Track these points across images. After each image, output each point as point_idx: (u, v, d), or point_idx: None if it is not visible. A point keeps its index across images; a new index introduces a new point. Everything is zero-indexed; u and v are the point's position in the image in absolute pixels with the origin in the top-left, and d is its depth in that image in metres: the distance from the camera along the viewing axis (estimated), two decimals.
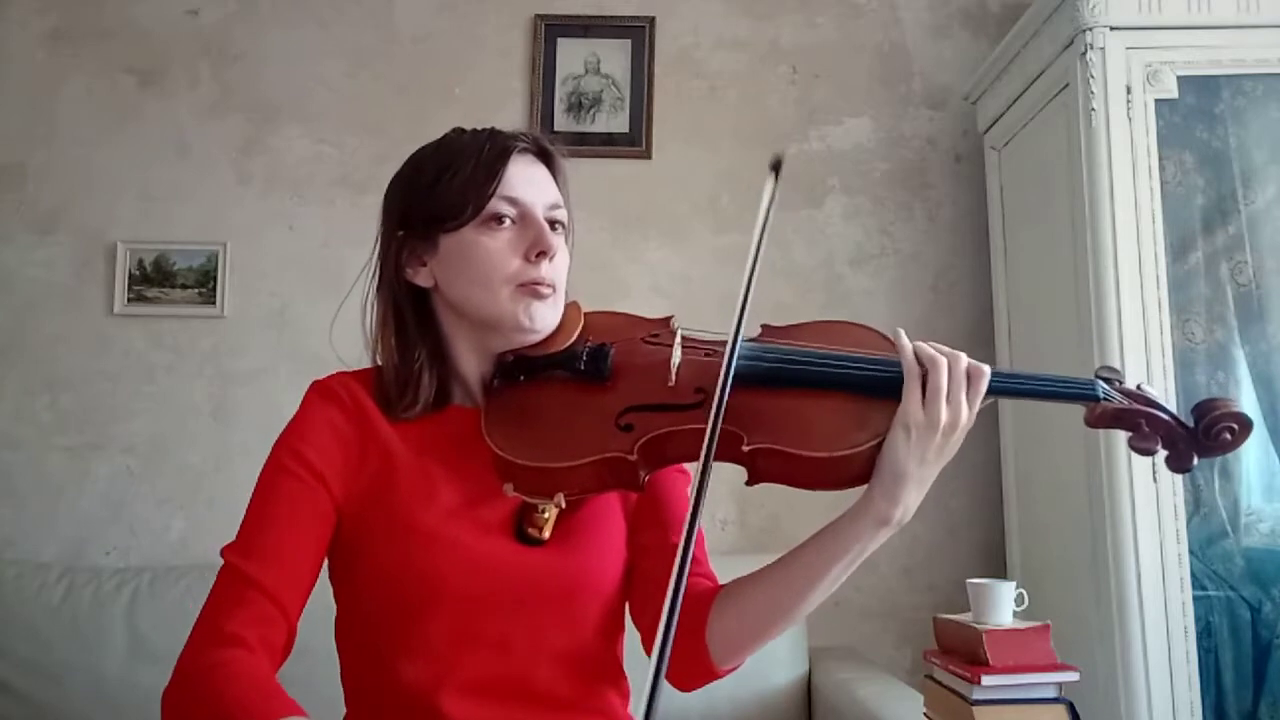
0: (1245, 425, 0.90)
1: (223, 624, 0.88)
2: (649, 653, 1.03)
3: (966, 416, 0.89)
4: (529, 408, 0.99)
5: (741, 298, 0.90)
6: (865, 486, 0.91)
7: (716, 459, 0.85)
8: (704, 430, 0.82)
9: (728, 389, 0.86)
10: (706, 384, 0.93)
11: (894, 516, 0.90)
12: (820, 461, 0.89)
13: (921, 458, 0.88)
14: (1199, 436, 0.91)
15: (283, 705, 0.82)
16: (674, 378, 0.95)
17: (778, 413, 0.91)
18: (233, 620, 0.88)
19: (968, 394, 0.89)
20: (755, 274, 0.91)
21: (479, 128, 1.05)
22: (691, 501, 0.78)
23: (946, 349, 0.91)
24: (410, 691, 0.96)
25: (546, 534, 0.98)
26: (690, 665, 1.02)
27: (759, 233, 0.93)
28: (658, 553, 1.04)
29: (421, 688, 0.95)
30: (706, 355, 0.99)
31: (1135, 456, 1.80)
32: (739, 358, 0.89)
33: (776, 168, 0.98)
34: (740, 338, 0.90)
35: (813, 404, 0.92)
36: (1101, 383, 0.93)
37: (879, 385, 0.92)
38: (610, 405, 0.96)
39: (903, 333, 0.93)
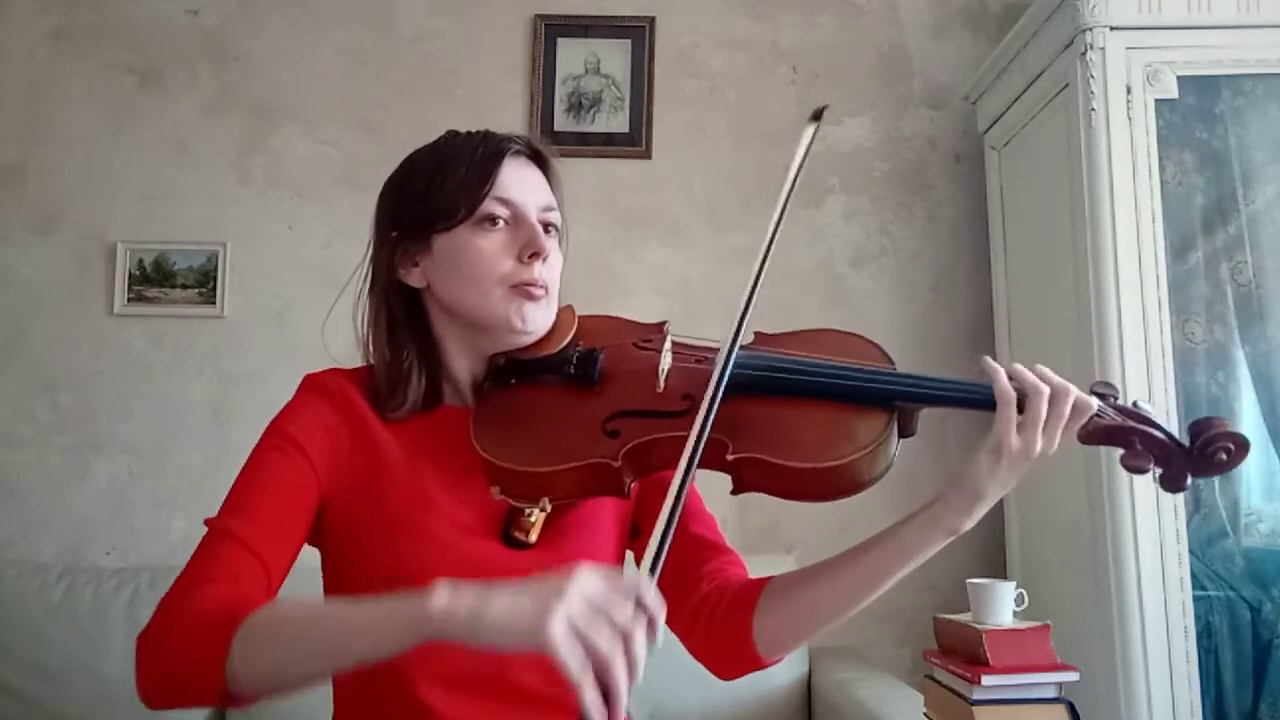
0: (1242, 446, 0.88)
1: (203, 571, 0.88)
2: (690, 650, 1.05)
3: (1056, 446, 0.89)
4: (517, 411, 1.00)
5: (760, 259, 0.93)
6: (850, 498, 0.91)
7: (701, 466, 0.85)
8: (689, 438, 0.82)
9: (728, 368, 0.87)
10: (695, 391, 0.92)
11: (964, 528, 0.91)
12: (805, 473, 0.88)
13: (1004, 481, 0.89)
14: (1194, 455, 0.89)
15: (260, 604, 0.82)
16: (662, 384, 0.95)
17: (764, 421, 0.91)
18: (213, 567, 0.88)
19: (1066, 426, 0.88)
20: (776, 238, 0.94)
21: (473, 130, 1.06)
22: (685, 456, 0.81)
23: (1057, 379, 0.89)
24: (392, 681, 0.96)
25: (533, 538, 0.98)
26: (735, 656, 1.02)
27: (792, 180, 0.96)
28: (675, 549, 1.04)
29: (402, 678, 0.95)
30: (697, 362, 0.98)
31: None
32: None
33: (818, 115, 1.01)
34: (744, 321, 0.91)
35: (800, 413, 0.91)
36: (1095, 398, 0.91)
37: (867, 396, 0.92)
38: (598, 411, 0.96)
39: (989, 359, 0.91)
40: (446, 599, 0.73)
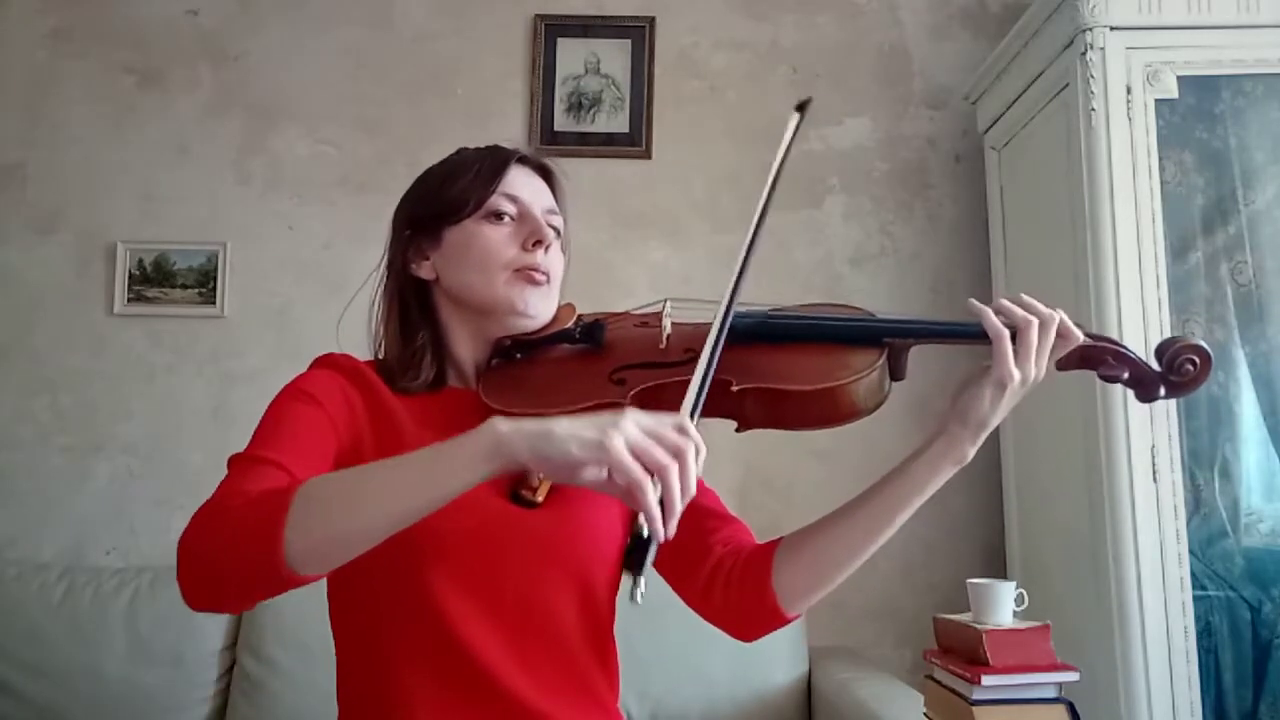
0: (1205, 357, 0.96)
1: (239, 486, 0.85)
2: (708, 616, 1.09)
3: (1046, 371, 0.95)
4: (525, 376, 1.05)
5: (754, 222, 0.99)
6: (847, 426, 0.97)
7: (706, 411, 0.89)
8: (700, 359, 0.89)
9: (745, 274, 0.95)
10: (695, 346, 0.97)
11: (970, 456, 0.99)
12: (805, 395, 0.94)
13: (1005, 410, 0.96)
14: (1164, 371, 0.98)
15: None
16: (665, 342, 1.02)
17: (764, 360, 0.98)
18: (249, 483, 0.85)
19: (1054, 349, 0.95)
20: (766, 215, 1.00)
21: (481, 146, 1.13)
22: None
23: (1043, 307, 0.95)
24: (431, 614, 0.95)
25: (540, 498, 0.99)
26: (756, 614, 1.05)
27: (774, 173, 1.03)
28: (684, 521, 1.05)
29: (435, 608, 0.95)
30: (695, 329, 1.04)
31: (1135, 458, 1.82)
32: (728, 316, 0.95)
33: (802, 107, 1.10)
34: (742, 277, 0.96)
35: (795, 352, 0.99)
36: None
37: (858, 335, 1.00)
38: (604, 366, 1.01)
39: (974, 301, 0.97)
40: (508, 424, 0.77)
